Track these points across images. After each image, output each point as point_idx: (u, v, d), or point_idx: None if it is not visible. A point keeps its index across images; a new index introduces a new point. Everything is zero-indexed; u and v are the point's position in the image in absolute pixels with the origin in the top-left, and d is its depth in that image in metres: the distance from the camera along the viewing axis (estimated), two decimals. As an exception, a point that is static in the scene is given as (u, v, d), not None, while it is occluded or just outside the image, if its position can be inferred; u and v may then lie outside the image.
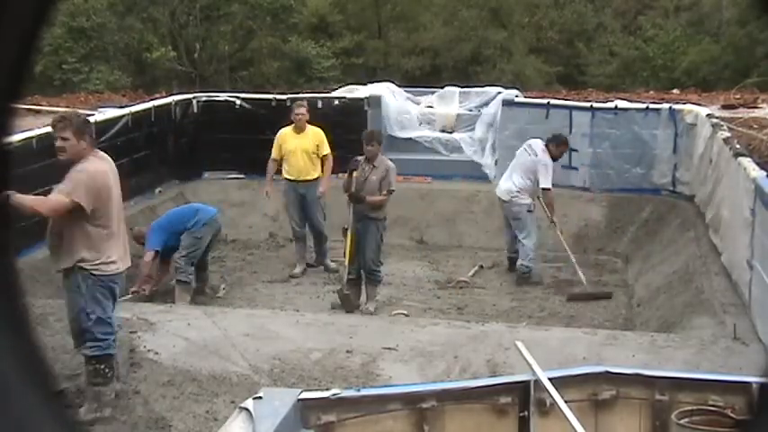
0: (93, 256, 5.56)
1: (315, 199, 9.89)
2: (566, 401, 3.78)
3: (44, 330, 6.31)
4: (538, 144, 9.79)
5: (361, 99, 12.31)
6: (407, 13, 29.35)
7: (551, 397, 3.77)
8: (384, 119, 12.11)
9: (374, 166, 8.50)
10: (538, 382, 3.92)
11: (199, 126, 12.08)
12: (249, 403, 3.51)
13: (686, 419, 3.76)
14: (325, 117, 12.19)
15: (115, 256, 5.67)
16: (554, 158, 9.72)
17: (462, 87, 12.80)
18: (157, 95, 13.83)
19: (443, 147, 12.08)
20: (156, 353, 6.43)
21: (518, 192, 9.64)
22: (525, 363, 4.10)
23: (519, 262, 9.73)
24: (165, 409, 5.74)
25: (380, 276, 8.90)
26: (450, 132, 12.24)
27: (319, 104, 12.32)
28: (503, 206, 9.89)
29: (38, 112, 12.16)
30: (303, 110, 10.03)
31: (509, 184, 9.74)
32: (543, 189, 9.65)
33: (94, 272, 5.58)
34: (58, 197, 5.53)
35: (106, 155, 5.93)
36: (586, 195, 11.38)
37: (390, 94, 12.36)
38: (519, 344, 4.38)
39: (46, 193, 8.42)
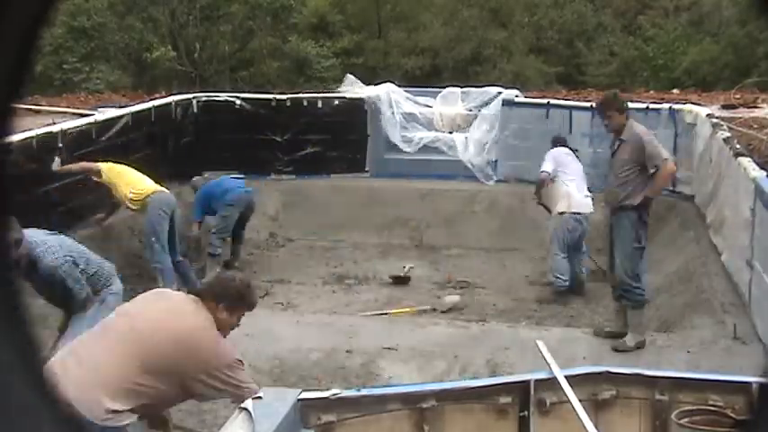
0: None
1: None
2: (566, 401, 3.78)
3: (44, 330, 6.30)
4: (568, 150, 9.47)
5: (362, 99, 12.31)
6: (407, 13, 29.32)
7: (566, 396, 3.77)
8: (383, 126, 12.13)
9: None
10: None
11: (199, 126, 12.08)
12: (249, 403, 3.51)
13: (686, 419, 3.76)
14: (326, 117, 12.22)
15: None
16: None
17: (462, 87, 12.80)
18: (157, 95, 13.82)
19: (447, 147, 12.06)
20: (156, 353, 6.43)
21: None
22: (544, 361, 4.10)
23: (579, 273, 9.11)
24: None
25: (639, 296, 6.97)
26: (451, 133, 12.24)
27: (319, 104, 12.32)
28: (587, 222, 9.10)
29: (38, 112, 12.14)
30: None
31: (588, 196, 9.07)
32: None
33: None
34: None
35: None
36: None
37: (387, 98, 12.30)
38: (540, 342, 4.39)
39: (42, 195, 8.47)
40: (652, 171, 6.59)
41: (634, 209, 6.65)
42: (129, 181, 8.77)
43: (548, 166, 9.07)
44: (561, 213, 8.94)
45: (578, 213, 8.94)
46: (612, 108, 6.85)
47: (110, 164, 8.91)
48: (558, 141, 9.70)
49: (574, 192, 8.97)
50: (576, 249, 9.10)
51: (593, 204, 11.24)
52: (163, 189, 8.93)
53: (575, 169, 9.19)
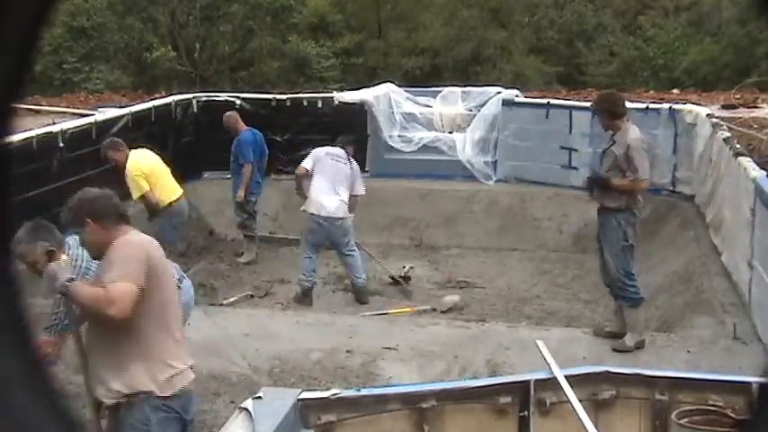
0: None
1: None
2: (566, 401, 3.78)
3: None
4: (342, 151, 9.10)
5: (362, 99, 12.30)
6: (407, 13, 29.35)
7: (566, 396, 3.76)
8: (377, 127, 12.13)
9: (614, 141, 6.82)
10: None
11: (199, 126, 12.08)
12: (249, 403, 3.51)
13: (686, 419, 3.76)
14: (326, 117, 12.22)
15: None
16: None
17: (462, 87, 12.80)
18: (157, 95, 13.82)
19: (447, 147, 12.05)
20: (156, 353, 6.43)
21: (346, 206, 8.93)
22: (544, 361, 4.09)
23: (357, 277, 8.98)
24: (165, 409, 5.73)
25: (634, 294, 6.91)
26: (451, 133, 12.23)
27: (319, 104, 12.33)
28: (332, 225, 8.80)
29: (38, 112, 12.15)
30: None
31: (338, 200, 8.81)
32: (359, 195, 9.12)
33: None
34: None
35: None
36: (586, 195, 11.36)
37: (377, 101, 12.28)
38: (539, 343, 4.38)
39: (44, 196, 8.46)
40: (627, 176, 6.65)
41: (617, 209, 6.76)
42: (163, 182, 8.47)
43: (307, 163, 9.00)
44: (307, 213, 8.94)
45: (318, 215, 8.80)
46: (606, 108, 6.85)
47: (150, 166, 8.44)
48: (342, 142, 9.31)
49: (316, 195, 8.81)
50: (332, 249, 9.14)
51: (593, 204, 11.27)
52: (179, 197, 8.64)
53: (329, 172, 8.90)
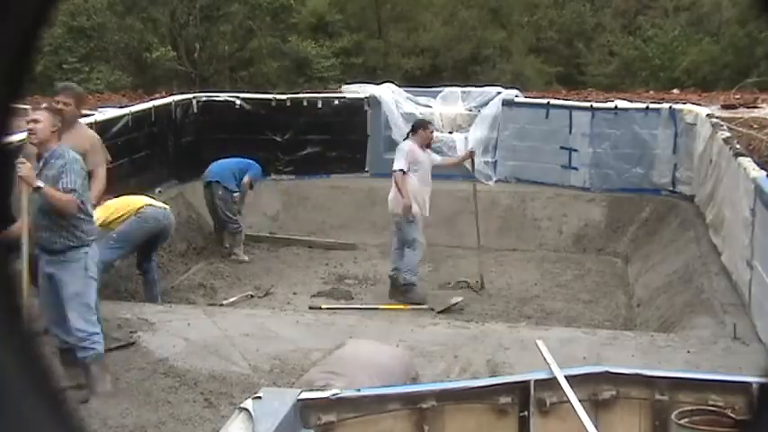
0: None
1: None
2: (566, 401, 3.78)
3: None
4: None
5: (362, 99, 12.31)
6: (407, 13, 29.36)
7: (566, 396, 3.76)
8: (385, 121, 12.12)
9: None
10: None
11: (199, 126, 12.08)
12: (249, 403, 3.51)
13: (686, 419, 3.76)
14: (326, 117, 12.23)
15: None
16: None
17: (462, 87, 12.80)
18: (157, 95, 13.82)
19: (447, 147, 12.05)
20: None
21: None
22: (544, 361, 4.08)
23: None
24: (165, 409, 5.73)
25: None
26: (451, 133, 12.24)
27: (319, 104, 12.33)
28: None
29: (38, 111, 12.12)
30: None
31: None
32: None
33: None
34: None
35: None
36: (586, 195, 11.37)
37: (390, 95, 12.32)
38: (539, 343, 4.37)
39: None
40: None
41: None
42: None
43: (402, 164, 8.97)
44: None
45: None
46: None
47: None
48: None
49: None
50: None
51: (593, 204, 11.29)
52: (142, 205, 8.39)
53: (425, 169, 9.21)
